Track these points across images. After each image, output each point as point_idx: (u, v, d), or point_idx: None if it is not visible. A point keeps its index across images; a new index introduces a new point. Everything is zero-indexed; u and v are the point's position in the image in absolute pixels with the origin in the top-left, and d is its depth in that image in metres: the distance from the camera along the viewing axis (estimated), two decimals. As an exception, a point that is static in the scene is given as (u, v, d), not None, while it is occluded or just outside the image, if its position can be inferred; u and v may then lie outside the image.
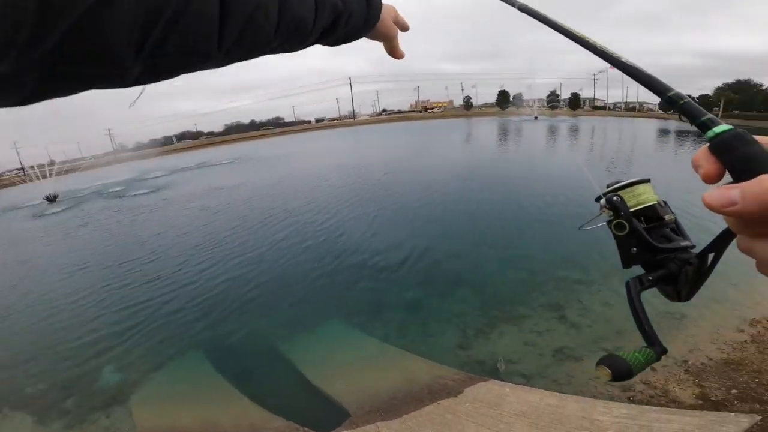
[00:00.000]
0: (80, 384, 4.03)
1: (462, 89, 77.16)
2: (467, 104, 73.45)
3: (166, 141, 70.57)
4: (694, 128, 0.31)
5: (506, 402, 2.89)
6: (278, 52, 0.48)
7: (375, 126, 55.69)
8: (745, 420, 1.88)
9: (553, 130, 30.86)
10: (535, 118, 45.04)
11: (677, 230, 0.41)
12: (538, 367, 3.45)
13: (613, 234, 0.40)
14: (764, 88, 45.62)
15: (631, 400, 2.64)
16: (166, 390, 3.84)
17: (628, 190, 0.41)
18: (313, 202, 10.23)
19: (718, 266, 0.36)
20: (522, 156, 18.66)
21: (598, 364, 0.33)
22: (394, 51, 0.66)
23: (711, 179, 0.29)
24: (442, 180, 11.87)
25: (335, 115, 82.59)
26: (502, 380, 3.27)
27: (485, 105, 78.94)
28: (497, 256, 5.88)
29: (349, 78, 78.19)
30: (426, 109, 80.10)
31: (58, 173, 26.71)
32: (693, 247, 0.39)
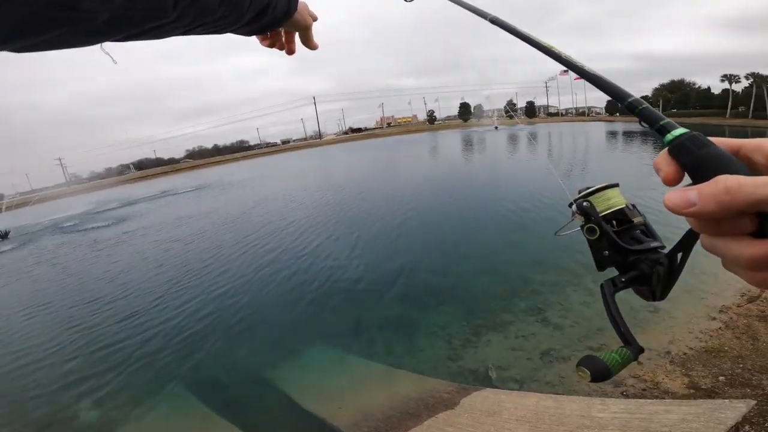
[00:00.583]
0: (57, 425, 3.72)
1: (425, 103, 79.43)
2: (431, 118, 75.59)
3: (123, 169, 67.65)
4: (639, 128, 0.34)
5: (504, 409, 2.89)
6: (213, 31, 0.51)
7: (343, 145, 55.88)
8: (742, 405, 1.98)
9: (513, 138, 32.25)
10: (496, 128, 46.94)
11: (647, 232, 0.42)
12: (528, 371, 3.49)
13: (586, 238, 0.42)
14: (696, 86, 50.08)
15: (625, 395, 2.72)
16: (152, 425, 3.61)
17: (598, 195, 0.43)
18: (291, 226, 10.04)
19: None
20: (490, 165, 19.31)
21: (577, 365, 0.35)
22: (309, 41, 0.70)
23: (671, 182, 0.30)
24: (415, 195, 12.04)
25: (301, 135, 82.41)
26: (496, 387, 3.28)
27: (448, 118, 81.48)
28: (476, 266, 5.99)
29: (314, 97, 78.48)
30: (389, 125, 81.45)
31: (8, 207, 24.85)
32: (663, 247, 0.40)
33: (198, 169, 50.53)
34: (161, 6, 0.37)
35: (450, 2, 0.72)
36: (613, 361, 0.34)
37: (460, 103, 70.46)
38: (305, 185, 17.98)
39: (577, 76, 0.42)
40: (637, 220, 0.42)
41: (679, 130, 0.31)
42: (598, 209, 0.42)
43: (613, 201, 0.42)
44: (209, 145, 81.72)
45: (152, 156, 76.54)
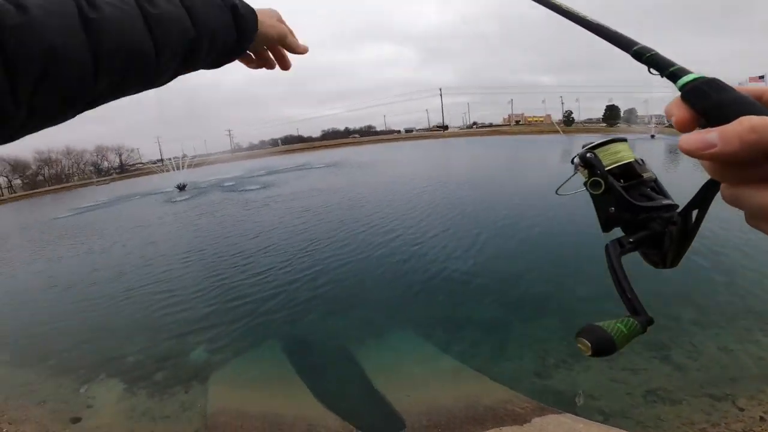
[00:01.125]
0: (172, 359, 4.52)
1: (562, 102, 71.76)
2: (568, 119, 68.14)
3: (273, 143, 78.34)
4: None
5: (579, 440, 2.60)
6: (128, 92, 0.43)
7: (467, 138, 54.78)
8: None
9: (673, 150, 27.02)
10: (652, 136, 39.81)
11: (657, 189, 0.38)
12: (623, 405, 3.09)
13: (590, 194, 0.38)
14: None
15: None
16: (241, 375, 4.17)
17: (604, 148, 0.39)
18: (413, 212, 10.31)
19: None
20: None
21: (576, 335, 0.31)
22: (293, 48, 0.61)
23: (684, 126, 0.27)
24: (544, 201, 11.15)
25: (425, 126, 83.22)
26: (577, 415, 2.98)
27: (589, 120, 72.57)
28: (597, 286, 5.34)
29: (440, 89, 78.13)
30: (518, 123, 76.43)
31: (189, 166, 31.34)
32: (676, 206, 0.36)
33: (330, 149, 55.49)
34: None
35: None
36: (618, 332, 0.30)
37: (607, 105, 61.68)
38: (429, 174, 18.15)
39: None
40: (647, 175, 0.39)
41: (693, 75, 0.28)
42: (604, 163, 0.38)
43: (621, 155, 0.38)
44: (341, 128, 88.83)
45: (295, 133, 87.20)
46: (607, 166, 0.38)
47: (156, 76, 0.44)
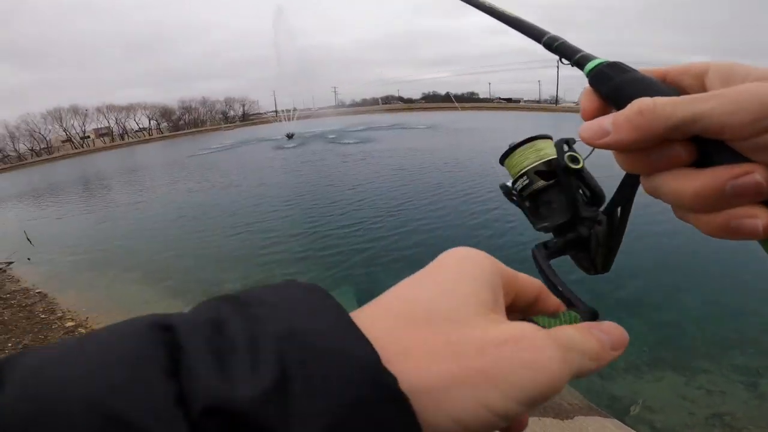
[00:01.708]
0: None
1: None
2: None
3: (374, 102, 79.72)
4: None
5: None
6: None
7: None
8: None
9: None
10: None
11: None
12: (678, 424, 2.80)
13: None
14: None
15: None
16: None
17: (527, 146, 0.37)
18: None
19: None
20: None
21: None
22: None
23: (587, 114, 0.26)
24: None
25: (534, 97, 75.38)
26: (624, 423, 2.68)
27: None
28: (702, 294, 4.39)
29: (558, 59, 69.04)
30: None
31: (298, 118, 33.74)
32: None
33: (428, 111, 54.29)
34: None
35: None
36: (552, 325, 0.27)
37: None
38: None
39: None
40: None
41: (598, 60, 0.28)
42: (525, 163, 0.36)
43: (543, 152, 0.36)
44: (442, 92, 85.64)
45: (395, 94, 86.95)
46: (527, 166, 0.36)
47: None
